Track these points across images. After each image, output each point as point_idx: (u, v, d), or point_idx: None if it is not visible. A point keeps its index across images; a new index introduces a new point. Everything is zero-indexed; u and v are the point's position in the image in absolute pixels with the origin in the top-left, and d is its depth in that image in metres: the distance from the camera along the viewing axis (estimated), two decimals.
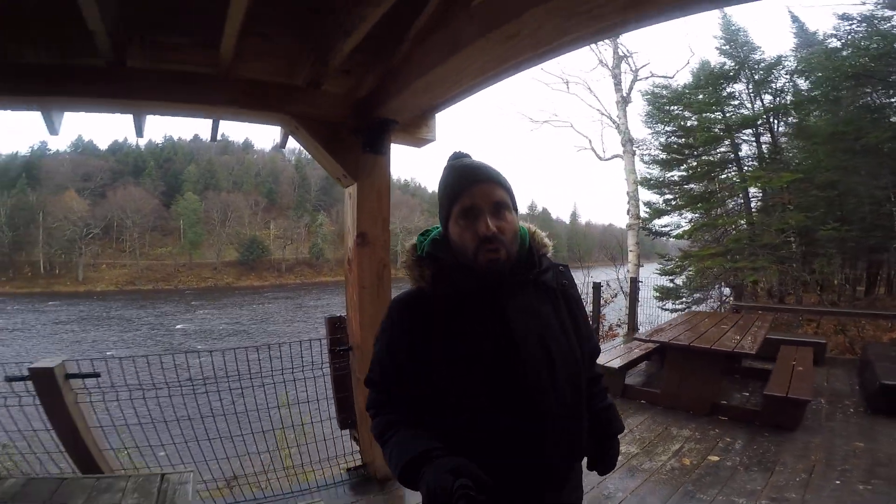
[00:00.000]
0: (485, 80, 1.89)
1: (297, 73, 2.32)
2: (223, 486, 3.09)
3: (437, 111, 2.64)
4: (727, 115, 12.09)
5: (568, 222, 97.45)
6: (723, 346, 3.88)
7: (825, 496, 2.71)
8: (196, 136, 67.28)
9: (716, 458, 3.22)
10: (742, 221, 11.81)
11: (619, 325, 9.02)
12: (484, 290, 1.00)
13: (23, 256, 49.07)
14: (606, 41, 10.48)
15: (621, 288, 9.67)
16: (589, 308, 7.79)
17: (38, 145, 57.73)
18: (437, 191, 1.09)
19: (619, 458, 3.03)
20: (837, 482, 2.86)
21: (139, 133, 2.86)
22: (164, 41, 2.06)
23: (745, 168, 12.01)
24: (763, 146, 12.10)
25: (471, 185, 0.99)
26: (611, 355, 4.76)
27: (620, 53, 10.68)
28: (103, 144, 62.28)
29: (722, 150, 12.43)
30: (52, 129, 2.52)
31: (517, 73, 1.81)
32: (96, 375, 2.54)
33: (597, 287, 6.82)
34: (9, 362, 2.48)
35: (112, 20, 1.70)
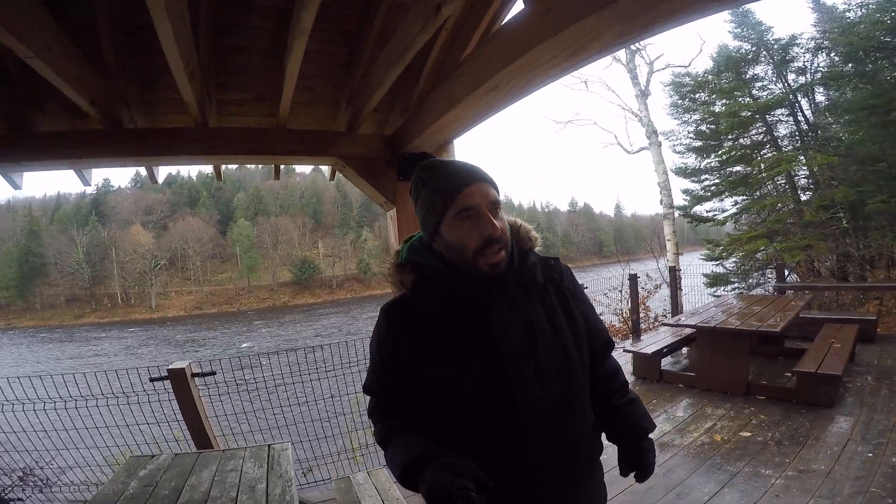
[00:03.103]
0: (480, 120, 2.29)
1: (339, 119, 2.81)
2: (304, 473, 3.63)
3: (454, 139, 3.06)
4: (755, 97, 11.79)
5: (612, 216, 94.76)
6: (749, 325, 3.99)
7: (854, 467, 2.78)
8: (241, 165, 71.03)
9: (747, 434, 3.37)
10: (788, 201, 11.39)
11: (665, 315, 9.01)
12: (467, 295, 0.99)
13: (101, 289, 53.64)
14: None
15: (663, 278, 9.65)
16: (628, 301, 7.91)
17: (102, 183, 62.58)
18: (417, 192, 1.06)
19: (652, 436, 3.25)
20: (869, 455, 2.91)
21: (219, 177, 3.47)
22: (229, 99, 2.56)
23: (784, 148, 11.60)
24: (801, 124, 11.66)
25: (468, 184, 0.97)
26: (647, 343, 4.95)
27: (633, 48, 10.71)
28: (159, 178, 66.43)
29: (756, 131, 12.07)
30: (154, 179, 3.16)
31: (504, 108, 2.20)
32: (213, 374, 3.20)
33: (633, 279, 6.94)
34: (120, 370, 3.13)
35: (199, 90, 2.18)
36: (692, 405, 4.00)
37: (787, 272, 9.74)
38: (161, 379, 2.87)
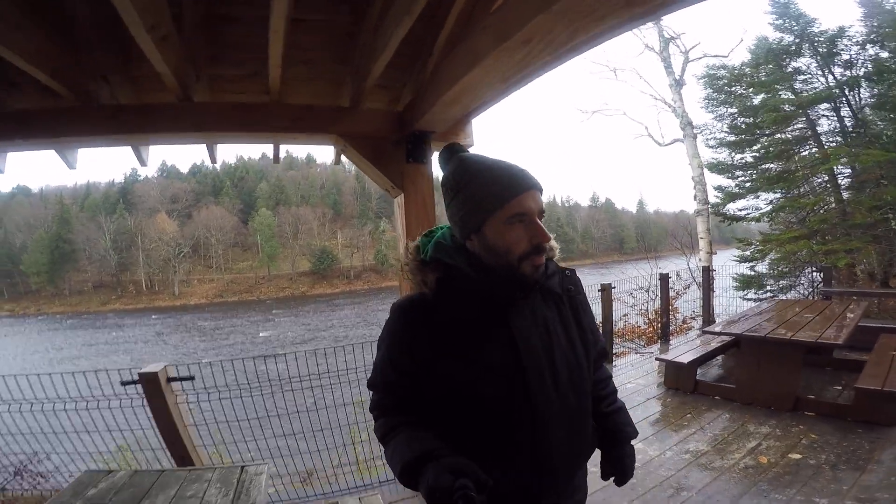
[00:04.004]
0: (508, 87, 1.93)
1: (342, 95, 2.50)
2: (301, 481, 3.36)
3: (472, 117, 2.70)
4: (797, 91, 11.04)
5: (635, 212, 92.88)
6: (804, 336, 3.56)
7: None
8: (264, 155, 71.93)
9: (797, 456, 2.99)
10: (830, 199, 10.67)
11: (694, 318, 8.51)
12: (492, 298, 0.98)
13: (127, 276, 55.15)
14: (650, 24, 10.03)
15: (694, 278, 9.13)
16: (658, 302, 7.44)
17: (130, 172, 64.60)
18: (458, 187, 1.01)
19: (687, 455, 2.93)
20: None
21: (213, 160, 3.21)
22: (222, 74, 2.30)
23: (827, 144, 10.86)
24: (845, 120, 10.90)
25: (525, 189, 0.96)
26: (681, 350, 4.53)
27: (666, 36, 10.14)
28: (184, 168, 68.27)
29: (797, 126, 11.33)
30: (142, 162, 2.90)
31: (541, 76, 1.83)
32: (191, 378, 2.89)
33: (664, 279, 6.47)
34: (123, 369, 2.90)
35: (176, 60, 1.92)
36: (732, 421, 3.60)
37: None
38: (133, 382, 2.60)
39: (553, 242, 1.08)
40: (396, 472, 0.93)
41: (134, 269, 55.11)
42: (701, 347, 4.50)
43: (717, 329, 4.17)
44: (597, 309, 5.69)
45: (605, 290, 5.49)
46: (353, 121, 2.45)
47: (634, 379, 4.72)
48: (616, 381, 4.53)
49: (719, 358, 4.91)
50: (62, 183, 66.12)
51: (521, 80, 1.82)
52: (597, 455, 1.16)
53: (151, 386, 2.60)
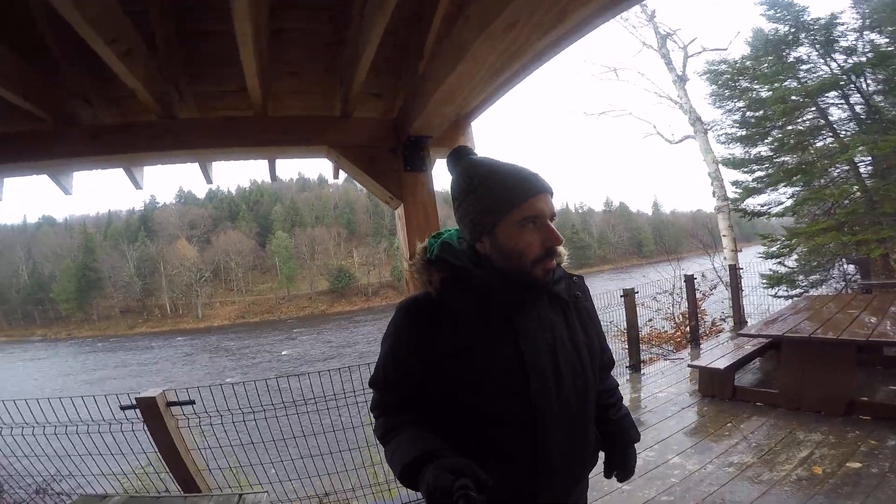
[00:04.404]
0: (502, 82, 1.77)
1: (334, 106, 2.37)
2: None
3: (471, 119, 2.54)
4: (802, 81, 10.72)
5: (650, 213, 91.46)
6: (854, 334, 3.25)
7: None
8: (277, 177, 73.57)
9: (857, 465, 2.70)
10: (854, 189, 10.22)
11: (723, 319, 8.11)
12: (498, 300, 0.98)
13: (152, 301, 56.43)
14: (645, 21, 9.89)
15: (720, 278, 8.75)
16: (683, 305, 7.10)
17: (149, 199, 66.75)
18: (469, 188, 1.01)
19: (732, 469, 2.80)
20: None
21: (208, 180, 3.09)
22: (206, 91, 2.18)
23: (841, 133, 10.46)
24: (856, 108, 10.50)
25: (539, 192, 0.96)
26: (714, 354, 4.24)
27: (663, 32, 9.95)
28: (200, 194, 70.06)
29: (808, 117, 10.98)
30: (137, 184, 2.79)
31: (536, 69, 1.65)
32: (191, 403, 2.83)
33: (689, 280, 6.16)
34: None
35: (151, 77, 1.81)
36: (778, 429, 3.30)
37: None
38: (131, 407, 2.51)
39: (561, 248, 1.07)
40: (396, 473, 0.92)
41: (158, 293, 56.32)
42: (736, 351, 4.19)
43: (754, 331, 3.87)
44: (620, 315, 5.42)
45: (629, 296, 5.22)
46: (344, 130, 2.31)
47: (666, 387, 4.43)
48: (646, 390, 4.27)
49: (756, 361, 4.59)
50: (85, 212, 68.46)
51: (513, 73, 1.66)
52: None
53: (150, 411, 2.56)
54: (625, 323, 5.33)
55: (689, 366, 4.24)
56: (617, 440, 1.15)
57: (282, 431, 3.12)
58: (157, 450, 2.65)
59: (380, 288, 59.83)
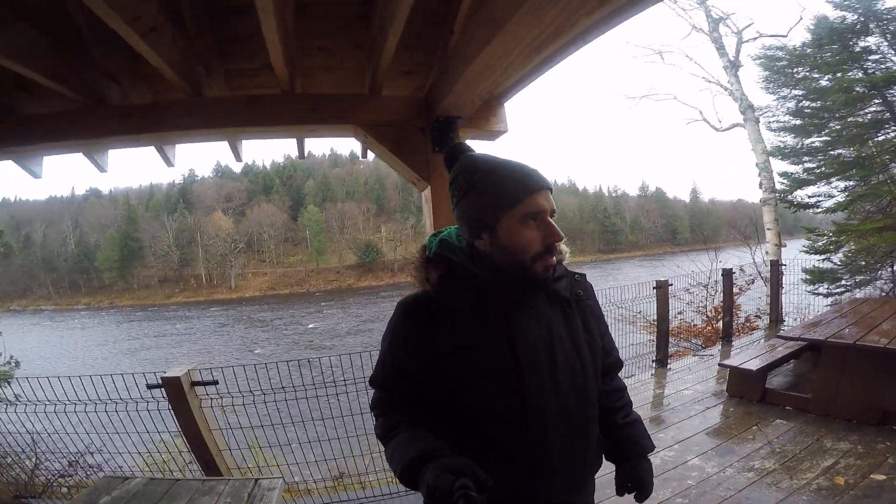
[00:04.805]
0: (542, 59, 1.64)
1: (363, 82, 2.31)
2: (330, 486, 3.26)
3: (504, 100, 2.44)
4: (868, 72, 9.92)
5: (688, 201, 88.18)
6: None
7: None
8: (309, 153, 74.54)
9: (881, 477, 2.56)
10: None
11: (759, 316, 7.78)
12: (495, 297, 0.97)
13: (188, 271, 58.81)
14: (696, 4, 9.28)
15: (759, 273, 8.36)
16: (720, 298, 6.84)
17: (188, 173, 69.14)
18: (469, 185, 0.99)
19: (751, 474, 2.69)
20: None
21: (238, 158, 3.11)
22: (236, 68, 2.17)
23: None
24: None
25: (538, 189, 0.96)
26: (747, 354, 4.05)
27: (714, 16, 9.33)
28: (237, 168, 71.76)
29: (872, 109, 10.20)
30: (168, 162, 2.84)
31: (579, 48, 1.54)
32: (215, 383, 2.82)
33: (727, 274, 5.90)
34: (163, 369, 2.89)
35: (179, 55, 1.80)
36: (805, 435, 3.15)
37: None
38: (157, 386, 2.54)
39: (563, 246, 1.08)
40: (396, 472, 0.92)
41: (194, 264, 58.56)
42: (770, 352, 3.99)
43: (795, 334, 3.67)
44: (651, 308, 5.26)
45: (661, 288, 5.04)
46: (372, 109, 2.26)
47: (692, 385, 4.28)
48: (672, 386, 4.12)
49: (790, 363, 4.37)
50: (129, 185, 71.46)
51: (555, 50, 1.53)
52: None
53: (174, 390, 2.56)
54: (654, 315, 5.17)
55: (719, 365, 4.07)
56: (626, 450, 1.12)
57: (301, 413, 3.13)
58: (179, 429, 2.68)
59: (406, 264, 59.31)
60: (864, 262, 10.18)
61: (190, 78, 1.96)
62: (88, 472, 3.88)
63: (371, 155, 3.06)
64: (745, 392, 3.79)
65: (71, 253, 59.29)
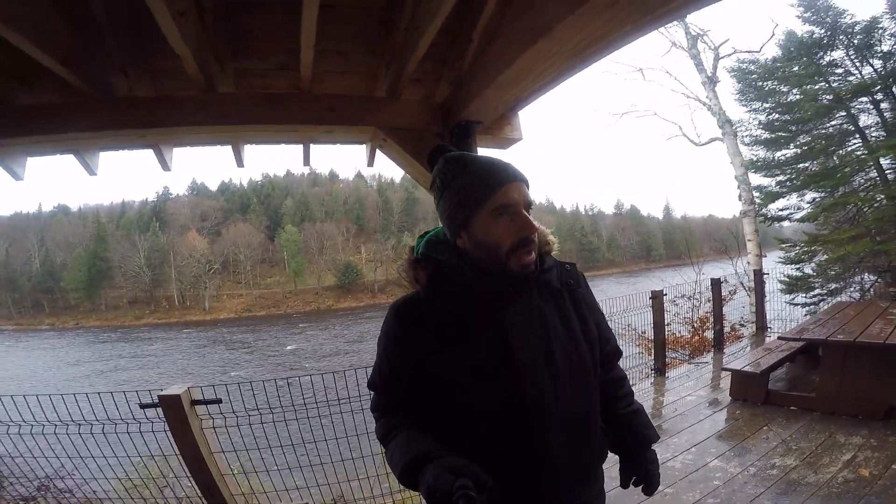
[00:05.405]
0: (577, 63, 1.65)
1: (377, 88, 2.28)
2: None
3: (520, 108, 2.45)
4: (833, 84, 10.51)
5: (661, 218, 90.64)
6: None
7: None
8: (288, 172, 74.01)
9: None
10: (880, 196, 10.02)
11: (743, 325, 7.96)
12: (483, 292, 0.96)
13: (160, 292, 56.67)
14: (675, 22, 9.74)
15: (741, 282, 8.59)
16: (708, 307, 6.96)
17: (162, 191, 67.21)
18: (444, 185, 1.01)
19: (775, 472, 2.58)
20: None
21: (240, 163, 3.01)
22: (247, 67, 2.11)
23: (871, 138, 10.25)
24: (886, 114, 10.28)
25: (508, 181, 0.95)
26: (746, 359, 4.13)
27: (693, 33, 9.79)
28: (213, 186, 70.63)
29: (836, 122, 10.79)
30: (165, 165, 2.71)
31: (615, 50, 1.55)
32: (218, 402, 2.61)
33: (716, 283, 6.05)
34: (153, 387, 2.68)
35: (200, 46, 1.74)
36: (816, 432, 3.21)
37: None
38: (151, 406, 2.35)
39: (551, 237, 1.08)
40: (396, 473, 0.92)
41: (166, 285, 56.58)
42: (768, 355, 4.07)
43: (792, 335, 3.76)
44: (639, 320, 5.31)
45: (657, 298, 5.11)
46: (392, 112, 2.23)
47: (693, 391, 4.33)
48: (674, 393, 4.14)
49: (783, 367, 4.47)
50: (99, 202, 69.18)
51: (592, 53, 1.53)
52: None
53: (173, 410, 2.37)
54: (643, 326, 5.23)
55: (723, 369, 4.12)
56: (630, 441, 1.09)
57: (290, 435, 2.93)
58: (178, 453, 2.48)
59: (386, 285, 59.70)
60: (833, 272, 10.60)
61: (205, 72, 1.89)
62: (60, 498, 3.60)
63: (354, 172, 3.00)
64: (749, 394, 3.84)
65: (35, 272, 56.68)
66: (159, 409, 2.49)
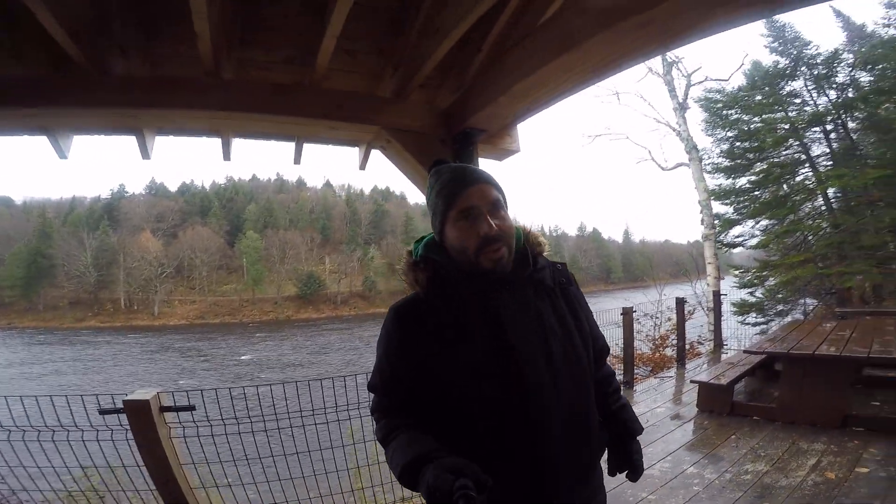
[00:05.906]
0: (594, 77, 1.73)
1: (381, 87, 2.30)
2: None
3: (525, 119, 2.52)
4: (790, 114, 11.31)
5: (621, 241, 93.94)
6: (853, 352, 3.46)
7: None
8: (254, 176, 72.02)
9: (865, 470, 2.84)
10: (825, 225, 10.81)
11: (701, 342, 8.35)
12: (479, 292, 0.99)
13: (106, 294, 53.19)
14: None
15: (699, 303, 9.02)
16: (670, 324, 7.25)
17: (117, 188, 63.47)
18: (428, 196, 1.09)
19: (749, 477, 2.91)
20: None
21: (227, 157, 2.92)
22: (252, 58, 2.09)
23: (820, 168, 11.08)
24: (833, 144, 11.14)
25: (467, 186, 0.99)
26: (710, 373, 4.36)
27: (669, 60, 10.37)
28: (173, 186, 67.38)
29: (790, 151, 11.59)
30: (145, 153, 2.59)
31: (630, 67, 1.64)
32: (192, 409, 2.44)
33: (680, 302, 6.38)
34: (101, 392, 2.46)
35: (213, 27, 1.71)
36: (779, 440, 3.41)
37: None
38: (115, 411, 2.16)
39: (541, 238, 1.12)
40: (396, 473, 0.92)
41: (114, 287, 53.32)
42: (731, 369, 4.31)
43: (756, 349, 4.02)
44: (618, 333, 5.48)
45: (627, 314, 5.31)
46: (398, 113, 2.24)
47: (662, 403, 4.52)
48: (644, 405, 4.29)
49: (743, 381, 4.73)
50: (47, 196, 64.83)
51: (613, 68, 1.59)
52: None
53: (139, 416, 2.17)
54: (622, 341, 5.40)
55: (692, 381, 4.31)
56: (619, 434, 1.14)
57: (257, 448, 2.80)
58: (142, 463, 2.27)
59: (350, 297, 58.67)
60: (781, 295, 11.28)
61: (215, 55, 1.86)
62: None
63: (321, 181, 2.99)
64: (716, 406, 4.03)
65: None
66: (122, 416, 2.26)
